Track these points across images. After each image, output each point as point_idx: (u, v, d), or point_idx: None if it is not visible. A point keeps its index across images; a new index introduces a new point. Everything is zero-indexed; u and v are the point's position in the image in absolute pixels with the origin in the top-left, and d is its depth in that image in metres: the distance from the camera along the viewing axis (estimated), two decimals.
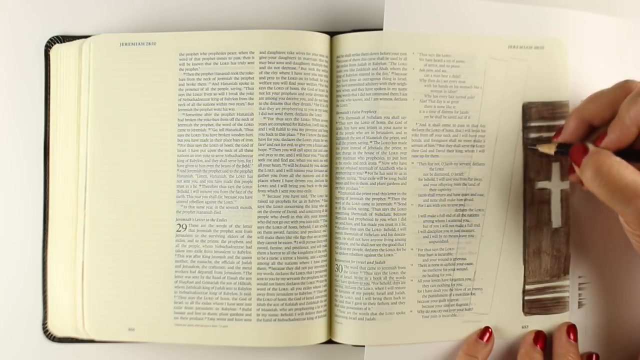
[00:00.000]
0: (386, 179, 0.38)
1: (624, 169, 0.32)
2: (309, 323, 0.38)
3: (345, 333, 0.39)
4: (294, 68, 0.38)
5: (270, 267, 0.38)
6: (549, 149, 0.38)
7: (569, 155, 0.36)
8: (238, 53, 0.39)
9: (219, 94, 0.39)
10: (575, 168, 0.35)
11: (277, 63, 0.38)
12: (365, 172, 0.38)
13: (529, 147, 0.39)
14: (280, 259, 0.38)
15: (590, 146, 0.34)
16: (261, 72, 0.39)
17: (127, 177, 0.39)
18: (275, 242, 0.38)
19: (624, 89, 0.35)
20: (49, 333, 0.41)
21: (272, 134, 0.38)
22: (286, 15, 0.43)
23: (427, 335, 0.39)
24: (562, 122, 0.39)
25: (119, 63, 0.40)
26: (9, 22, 0.42)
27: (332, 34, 0.40)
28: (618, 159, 0.33)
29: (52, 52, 0.41)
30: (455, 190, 0.39)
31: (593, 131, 0.37)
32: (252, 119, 0.39)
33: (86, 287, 0.39)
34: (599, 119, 0.36)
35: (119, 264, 0.39)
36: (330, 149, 0.40)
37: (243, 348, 0.41)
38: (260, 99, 0.38)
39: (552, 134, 0.39)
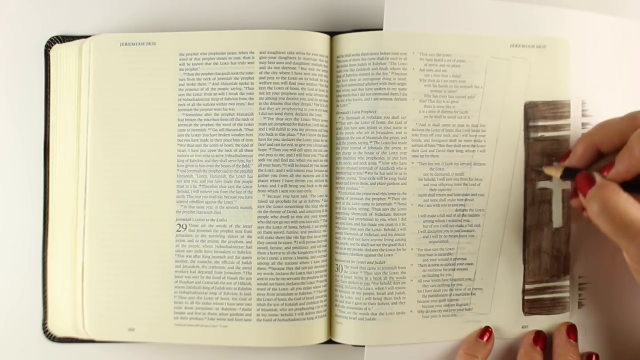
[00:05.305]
0: (386, 179, 0.38)
1: (630, 206, 0.32)
2: (309, 323, 0.38)
3: (345, 333, 0.39)
4: (294, 68, 0.38)
5: (270, 267, 0.38)
6: (555, 172, 0.38)
7: (575, 182, 0.36)
8: (238, 53, 0.39)
9: (219, 94, 0.39)
10: (581, 197, 0.35)
11: (277, 63, 0.38)
12: (365, 172, 0.38)
13: (534, 168, 0.39)
14: (280, 259, 0.38)
15: (597, 177, 0.34)
16: (261, 72, 0.38)
17: (127, 177, 0.39)
18: (275, 242, 0.38)
19: (634, 120, 0.34)
20: (49, 333, 0.41)
21: (272, 134, 0.38)
22: (286, 15, 0.43)
23: (427, 335, 0.39)
24: (563, 122, 0.39)
25: (119, 63, 0.40)
26: (9, 22, 0.42)
27: (332, 34, 0.40)
28: (625, 195, 0.33)
29: (52, 52, 0.41)
30: (456, 190, 0.39)
31: (601, 157, 0.37)
32: (252, 119, 0.38)
33: (86, 287, 0.39)
34: (607, 147, 0.36)
35: (118, 264, 0.39)
36: (330, 149, 0.39)
37: (243, 348, 0.41)
38: (260, 99, 0.38)
39: (553, 133, 0.39)
